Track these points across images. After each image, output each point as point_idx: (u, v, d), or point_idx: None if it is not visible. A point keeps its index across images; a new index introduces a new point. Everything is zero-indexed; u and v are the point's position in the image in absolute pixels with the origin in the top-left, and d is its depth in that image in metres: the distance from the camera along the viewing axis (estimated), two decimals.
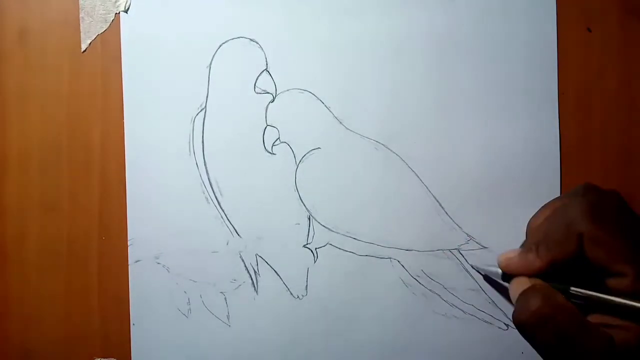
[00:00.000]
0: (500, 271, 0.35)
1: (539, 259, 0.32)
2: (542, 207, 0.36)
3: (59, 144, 0.41)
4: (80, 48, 0.41)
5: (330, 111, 0.40)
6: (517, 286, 0.33)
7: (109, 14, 0.40)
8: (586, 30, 0.39)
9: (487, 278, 0.39)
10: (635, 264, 0.29)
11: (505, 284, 0.35)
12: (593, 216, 0.31)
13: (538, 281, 0.32)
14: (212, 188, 0.40)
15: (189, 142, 0.40)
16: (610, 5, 0.39)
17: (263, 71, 0.40)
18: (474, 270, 0.39)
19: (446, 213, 0.39)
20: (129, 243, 0.40)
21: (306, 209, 0.40)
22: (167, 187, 0.40)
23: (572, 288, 0.31)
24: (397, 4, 0.40)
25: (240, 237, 0.40)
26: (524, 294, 0.32)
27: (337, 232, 0.40)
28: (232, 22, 0.40)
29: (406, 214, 0.39)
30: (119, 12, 0.40)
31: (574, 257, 0.31)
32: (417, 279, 0.39)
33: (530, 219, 0.37)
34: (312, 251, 0.40)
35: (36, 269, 0.41)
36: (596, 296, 0.31)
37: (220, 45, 0.40)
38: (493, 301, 0.39)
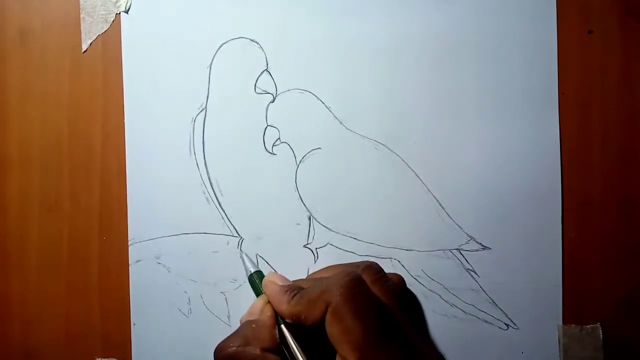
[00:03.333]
0: (251, 270, 0.37)
1: (288, 305, 0.32)
2: (330, 265, 0.38)
3: (60, 144, 0.41)
4: (81, 48, 0.41)
5: (330, 111, 0.40)
6: (256, 304, 0.35)
7: (109, 14, 0.40)
8: (587, 31, 0.39)
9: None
10: (360, 353, 0.28)
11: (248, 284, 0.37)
12: (346, 292, 0.30)
13: (268, 316, 0.33)
14: (212, 188, 0.40)
15: (190, 143, 0.40)
16: (610, 6, 0.39)
17: (263, 71, 0.40)
18: (474, 271, 0.39)
19: (446, 213, 0.39)
20: (129, 243, 0.40)
21: (306, 209, 0.40)
22: (167, 187, 0.40)
23: (283, 326, 0.33)
24: (398, 4, 0.40)
25: (241, 237, 0.40)
26: (244, 325, 0.33)
27: (338, 232, 0.40)
28: (233, 23, 0.40)
29: (406, 214, 0.39)
30: (120, 13, 0.40)
31: (317, 326, 0.30)
32: (418, 279, 0.39)
33: (315, 272, 0.38)
34: (312, 251, 0.40)
35: (37, 269, 0.41)
36: (291, 349, 0.32)
37: (221, 46, 0.40)
38: (493, 301, 0.39)
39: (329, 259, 0.39)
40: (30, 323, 0.41)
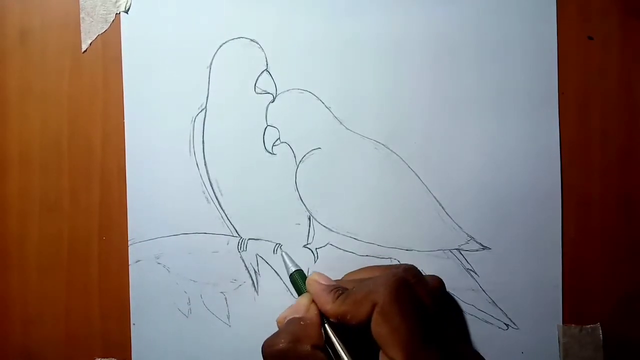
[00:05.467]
0: (292, 268, 0.37)
1: (333, 305, 0.32)
2: (368, 267, 0.38)
3: (60, 144, 0.41)
4: (81, 48, 0.41)
5: (330, 111, 0.40)
6: (301, 302, 0.34)
7: (109, 14, 0.40)
8: (586, 26, 0.39)
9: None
10: (407, 353, 0.28)
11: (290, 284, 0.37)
12: (394, 293, 0.30)
13: (314, 314, 0.33)
14: (212, 188, 0.40)
15: (190, 142, 0.40)
16: (610, 6, 0.39)
17: (263, 71, 0.40)
18: (474, 271, 0.39)
19: (446, 213, 0.39)
20: (129, 243, 0.40)
21: (306, 209, 0.40)
22: (167, 187, 0.40)
23: (327, 325, 0.33)
24: (398, 4, 0.40)
25: (241, 237, 0.40)
26: (292, 322, 0.33)
27: (338, 232, 0.40)
28: (233, 23, 0.40)
29: (406, 214, 0.39)
30: (120, 13, 0.40)
31: (361, 326, 0.30)
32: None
33: (352, 272, 0.38)
34: (312, 251, 0.40)
35: (37, 269, 0.41)
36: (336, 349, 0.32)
37: (221, 46, 0.40)
38: (493, 301, 0.39)
39: (329, 259, 0.39)
40: (30, 323, 0.41)
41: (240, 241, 0.40)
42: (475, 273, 0.39)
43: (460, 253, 0.39)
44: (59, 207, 0.41)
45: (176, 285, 0.40)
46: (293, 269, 0.37)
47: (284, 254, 0.38)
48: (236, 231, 0.40)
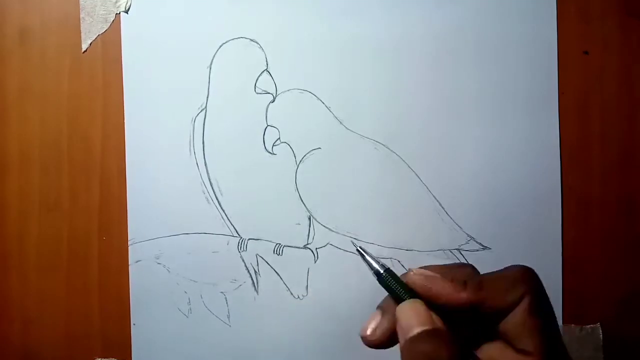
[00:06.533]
0: (381, 270, 0.29)
1: (466, 292, 0.28)
2: (446, 265, 0.32)
3: (60, 144, 0.41)
4: (81, 48, 0.41)
5: (330, 111, 0.40)
6: (411, 312, 0.28)
7: (109, 14, 0.40)
8: (586, 28, 0.39)
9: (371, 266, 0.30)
10: (551, 345, 0.27)
11: (383, 287, 0.30)
12: (542, 288, 0.29)
13: (439, 323, 0.28)
14: (212, 188, 0.40)
15: (190, 143, 0.40)
16: (610, 6, 0.39)
17: (263, 71, 0.40)
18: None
19: (446, 213, 0.39)
20: (129, 243, 0.40)
21: (306, 209, 0.40)
22: (167, 187, 0.40)
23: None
24: (398, 4, 0.40)
25: (241, 237, 0.40)
26: (423, 340, 0.27)
27: (338, 232, 0.40)
28: (233, 23, 0.40)
29: (406, 214, 0.39)
30: (120, 13, 0.40)
31: (491, 315, 0.27)
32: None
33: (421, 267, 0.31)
34: (312, 251, 0.40)
35: (36, 269, 0.41)
36: None
37: (221, 46, 0.40)
38: None
39: (329, 259, 0.39)
40: (30, 323, 0.41)
41: (241, 241, 0.40)
42: None
43: (460, 253, 0.39)
44: (59, 207, 0.41)
45: (176, 285, 0.40)
46: (381, 269, 0.29)
47: (363, 251, 0.30)
48: (236, 231, 0.40)
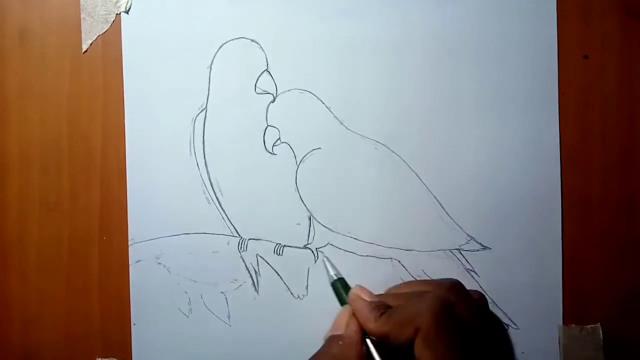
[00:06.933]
0: (334, 276, 0.36)
1: (375, 324, 0.32)
2: (411, 281, 0.38)
3: (60, 144, 0.41)
4: (81, 48, 0.41)
5: (330, 111, 0.40)
6: (341, 317, 0.34)
7: (110, 14, 0.40)
8: (586, 28, 0.39)
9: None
10: None
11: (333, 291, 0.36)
12: (437, 319, 0.30)
13: (354, 331, 0.33)
14: (212, 188, 0.40)
15: (190, 143, 0.40)
16: (610, 6, 0.39)
17: (264, 71, 0.40)
18: (474, 271, 0.39)
19: (447, 213, 0.39)
20: (129, 243, 0.40)
21: (307, 209, 0.40)
22: (167, 187, 0.40)
23: (369, 342, 0.32)
24: (398, 4, 0.40)
25: (241, 237, 0.40)
26: (331, 343, 0.33)
27: (338, 232, 0.40)
28: (233, 23, 0.40)
29: (407, 214, 0.39)
30: (120, 13, 0.40)
31: (406, 347, 0.30)
32: (418, 279, 0.39)
33: (395, 286, 0.37)
34: (312, 251, 0.40)
35: (37, 269, 0.41)
36: None
37: (221, 46, 0.40)
38: (493, 301, 0.39)
39: (329, 258, 0.39)
40: (30, 323, 0.41)
41: (241, 241, 0.40)
42: (476, 273, 0.39)
43: (461, 253, 0.39)
44: (59, 207, 0.41)
45: (177, 285, 0.40)
46: (335, 277, 0.36)
47: (325, 259, 0.37)
48: (236, 231, 0.40)
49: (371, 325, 0.32)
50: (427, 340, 0.30)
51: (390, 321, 0.32)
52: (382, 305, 0.33)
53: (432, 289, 0.33)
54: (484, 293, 0.39)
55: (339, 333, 0.33)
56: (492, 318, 0.38)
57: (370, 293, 0.35)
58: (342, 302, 0.35)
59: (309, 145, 0.40)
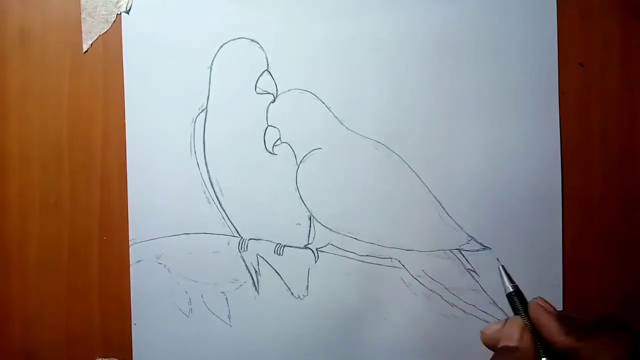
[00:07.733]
0: (510, 289, 0.33)
1: (566, 338, 0.30)
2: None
3: (60, 144, 0.41)
4: (82, 48, 0.41)
5: (331, 111, 0.40)
6: (513, 328, 0.32)
7: (110, 14, 0.41)
8: (586, 28, 0.39)
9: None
10: None
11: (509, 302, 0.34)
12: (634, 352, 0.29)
13: (529, 344, 0.31)
14: (213, 188, 0.40)
15: (190, 143, 0.40)
16: (610, 6, 0.39)
17: (264, 72, 0.40)
18: (475, 271, 0.39)
19: (447, 213, 0.39)
20: (130, 243, 0.40)
21: (307, 209, 0.40)
22: (168, 188, 0.40)
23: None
24: (398, 4, 0.40)
25: (241, 237, 0.40)
26: (504, 354, 0.31)
27: (338, 232, 0.40)
28: (233, 23, 0.40)
29: (407, 214, 0.39)
30: (121, 13, 0.40)
31: None
32: (418, 279, 0.39)
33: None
34: (313, 251, 0.40)
35: (37, 269, 0.41)
36: None
37: (222, 46, 0.40)
38: (494, 301, 0.39)
39: (329, 258, 0.39)
40: (30, 323, 0.41)
41: (241, 241, 0.40)
42: (476, 273, 0.39)
43: (461, 253, 0.39)
44: (59, 207, 0.41)
45: (177, 285, 0.40)
46: (511, 288, 0.34)
47: (500, 268, 0.34)
48: (237, 231, 0.40)
49: (561, 337, 0.30)
50: None
51: (588, 339, 0.30)
52: (569, 319, 0.31)
53: (620, 323, 0.32)
54: (485, 293, 0.39)
55: (512, 344, 0.31)
56: None
57: (551, 305, 0.34)
58: (517, 312, 0.33)
59: (309, 145, 0.40)
